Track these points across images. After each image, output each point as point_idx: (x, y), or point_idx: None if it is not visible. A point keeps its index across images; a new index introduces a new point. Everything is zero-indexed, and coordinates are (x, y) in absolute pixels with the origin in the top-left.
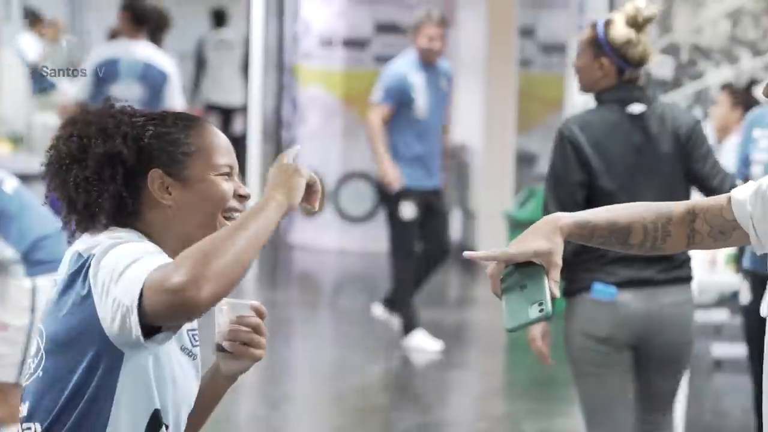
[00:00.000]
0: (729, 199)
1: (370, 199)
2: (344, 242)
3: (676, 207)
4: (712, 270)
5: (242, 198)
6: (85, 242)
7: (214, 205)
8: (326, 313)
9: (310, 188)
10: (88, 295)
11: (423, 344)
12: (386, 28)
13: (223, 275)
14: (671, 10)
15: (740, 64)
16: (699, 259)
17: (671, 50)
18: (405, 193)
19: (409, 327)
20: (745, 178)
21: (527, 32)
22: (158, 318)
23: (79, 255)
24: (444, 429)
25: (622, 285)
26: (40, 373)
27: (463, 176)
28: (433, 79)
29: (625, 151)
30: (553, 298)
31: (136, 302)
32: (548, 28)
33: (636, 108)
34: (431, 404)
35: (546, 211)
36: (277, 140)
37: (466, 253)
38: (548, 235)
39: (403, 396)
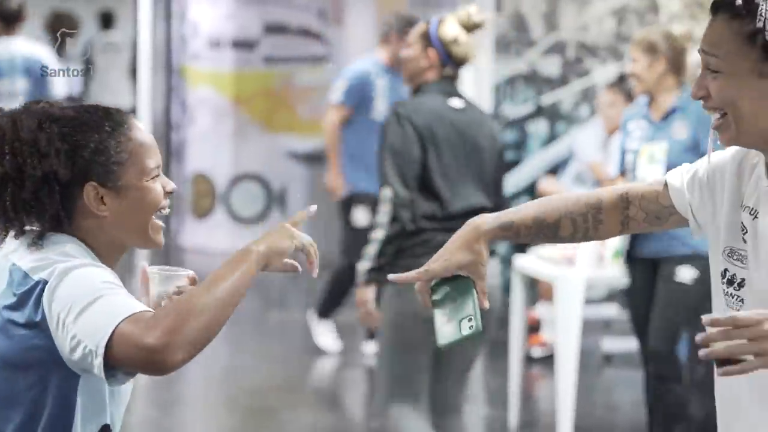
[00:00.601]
0: (665, 185)
1: (261, 200)
2: (236, 244)
3: (607, 194)
4: (600, 265)
5: (168, 194)
6: (26, 257)
7: (149, 211)
8: None
9: (307, 254)
10: (43, 321)
11: (324, 340)
12: (275, 29)
13: (196, 341)
14: (557, 8)
15: (626, 61)
16: (587, 254)
17: (558, 48)
18: (358, 198)
19: (323, 313)
20: (622, 172)
21: None
22: (124, 367)
23: (26, 275)
24: (337, 429)
25: None
26: None
27: None
28: (396, 84)
29: (450, 136)
30: (482, 310)
31: (102, 349)
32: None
33: (456, 102)
34: (325, 404)
35: (386, 187)
36: (166, 142)
37: (391, 276)
38: (470, 245)
39: (296, 397)
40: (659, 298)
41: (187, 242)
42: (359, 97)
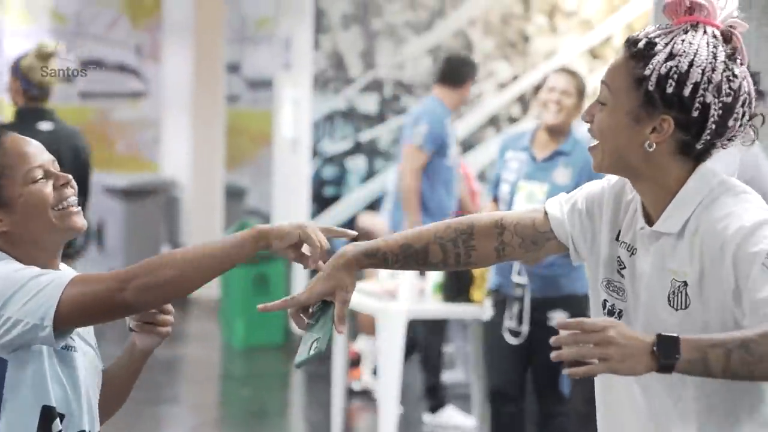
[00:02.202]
0: (545, 214)
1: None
2: None
3: (479, 221)
4: (420, 298)
5: (63, 186)
6: None
7: (40, 211)
8: None
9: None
10: None
11: (457, 419)
12: (91, 64)
13: (156, 287)
14: (374, 46)
15: None
16: (408, 288)
17: (375, 86)
18: None
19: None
20: (495, 198)
21: (233, 68)
22: (77, 323)
23: None
24: None
25: None
26: None
27: (173, 211)
28: (453, 129)
29: None
30: (335, 333)
31: (50, 320)
32: (253, 64)
33: (44, 125)
34: None
35: None
36: None
37: (260, 306)
38: (333, 273)
39: None
40: (535, 340)
41: None
42: (438, 143)
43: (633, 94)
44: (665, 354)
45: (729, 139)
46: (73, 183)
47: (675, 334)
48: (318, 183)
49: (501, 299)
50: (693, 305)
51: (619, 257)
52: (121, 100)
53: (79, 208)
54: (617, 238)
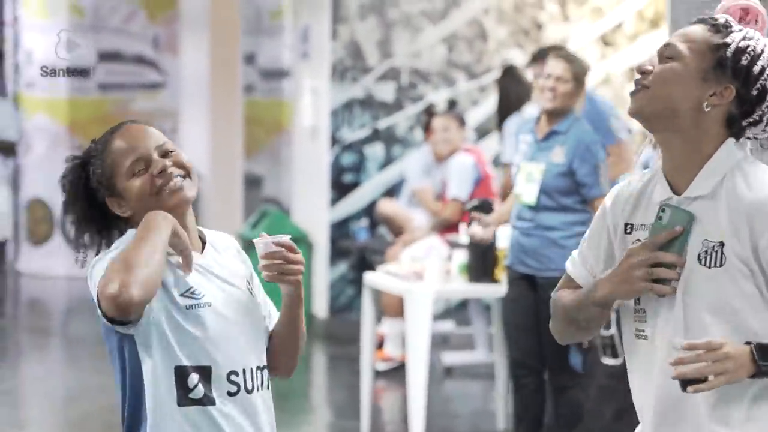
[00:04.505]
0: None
1: None
2: (74, 270)
3: None
4: (446, 279)
5: (160, 174)
6: None
7: (144, 198)
8: (57, 339)
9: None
10: None
11: None
12: (109, 56)
13: (145, 283)
14: (391, 36)
15: (457, 87)
16: (435, 269)
17: (392, 74)
18: None
19: None
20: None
21: (249, 59)
22: (109, 315)
23: None
24: None
25: None
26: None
27: (194, 201)
28: None
29: None
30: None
31: (97, 307)
32: (268, 54)
33: None
34: None
35: None
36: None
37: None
38: None
39: None
40: (543, 317)
41: (25, 267)
42: None
43: (708, 55)
44: (763, 359)
45: (762, 130)
46: (169, 164)
47: (766, 342)
48: (337, 170)
49: (516, 276)
50: (729, 262)
51: (638, 240)
52: (140, 92)
53: (182, 182)
54: (627, 231)
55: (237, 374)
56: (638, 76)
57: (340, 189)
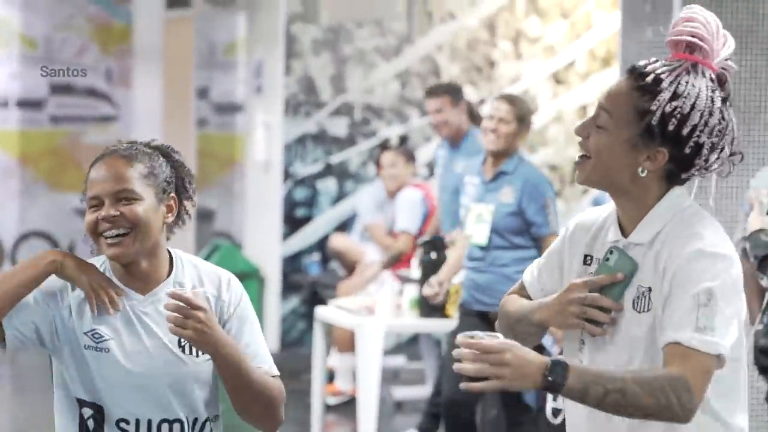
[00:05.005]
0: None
1: None
2: None
3: None
4: (397, 314)
5: (105, 219)
6: None
7: (90, 236)
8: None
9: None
10: None
11: None
12: (61, 89)
13: None
14: (344, 71)
15: (410, 123)
16: (386, 303)
17: (345, 109)
18: None
19: None
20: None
21: (202, 93)
22: None
23: None
24: None
25: None
26: None
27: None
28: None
29: None
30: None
31: None
32: (221, 89)
33: None
34: None
35: None
36: None
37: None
38: None
39: None
40: None
41: None
42: None
43: (634, 124)
44: (555, 377)
45: (708, 170)
46: (114, 218)
47: (565, 361)
48: (289, 205)
49: (469, 313)
50: (654, 308)
51: (590, 273)
52: (92, 124)
53: (117, 240)
54: (586, 263)
55: (128, 423)
56: (579, 140)
57: (293, 223)
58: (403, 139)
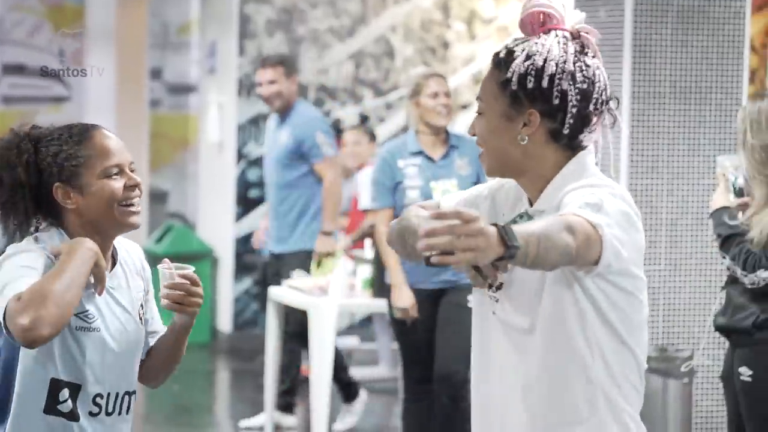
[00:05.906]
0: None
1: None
2: None
3: None
4: (351, 294)
5: (132, 187)
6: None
7: (108, 203)
8: None
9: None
10: None
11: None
12: (13, 69)
13: (56, 320)
14: (298, 52)
15: (364, 103)
16: (339, 283)
17: (299, 90)
18: None
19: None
20: (402, 206)
21: (155, 73)
22: (13, 336)
23: None
24: None
25: None
26: None
27: None
28: None
29: None
30: None
31: (1, 318)
32: (175, 69)
33: None
34: None
35: None
36: None
37: None
38: None
39: None
40: (449, 324)
41: None
42: None
43: (501, 97)
44: (512, 241)
45: (589, 122)
46: (141, 187)
47: (503, 224)
48: (243, 185)
49: (421, 297)
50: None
51: None
52: (45, 105)
53: (140, 209)
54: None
55: (102, 397)
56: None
57: (246, 204)
58: (364, 118)
